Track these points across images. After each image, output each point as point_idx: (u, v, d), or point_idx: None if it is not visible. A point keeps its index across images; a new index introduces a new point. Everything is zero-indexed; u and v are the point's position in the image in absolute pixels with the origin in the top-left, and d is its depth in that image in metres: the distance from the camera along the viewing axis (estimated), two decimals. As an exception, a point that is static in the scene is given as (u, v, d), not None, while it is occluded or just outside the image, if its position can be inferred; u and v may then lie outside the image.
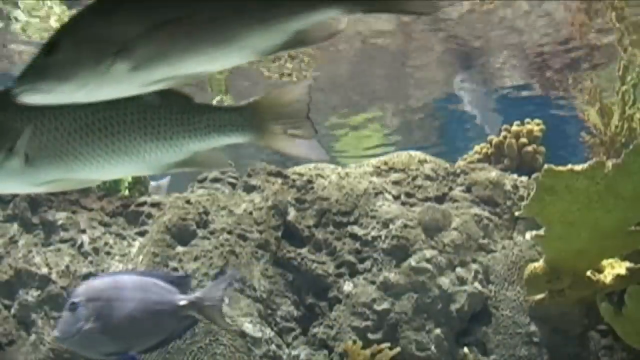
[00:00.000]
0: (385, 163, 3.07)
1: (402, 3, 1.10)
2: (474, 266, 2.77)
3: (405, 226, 2.80)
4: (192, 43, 1.09)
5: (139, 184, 3.17)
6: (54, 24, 4.31)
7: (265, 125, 1.30)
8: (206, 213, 2.85)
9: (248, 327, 2.60)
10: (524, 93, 6.08)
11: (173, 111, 1.28)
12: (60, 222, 2.85)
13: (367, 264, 2.78)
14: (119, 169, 1.29)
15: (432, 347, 2.62)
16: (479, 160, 3.31)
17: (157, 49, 1.08)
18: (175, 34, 1.08)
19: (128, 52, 1.07)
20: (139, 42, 1.07)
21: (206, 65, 1.12)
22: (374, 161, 3.12)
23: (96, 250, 2.81)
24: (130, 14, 1.08)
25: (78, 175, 1.28)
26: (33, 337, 2.63)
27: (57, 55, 1.08)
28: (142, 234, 2.88)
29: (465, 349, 2.66)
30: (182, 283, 2.20)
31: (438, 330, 2.65)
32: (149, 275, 2.18)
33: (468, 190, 3.00)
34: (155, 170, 1.32)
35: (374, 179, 2.99)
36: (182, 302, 2.10)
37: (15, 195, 2.90)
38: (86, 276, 2.72)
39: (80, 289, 2.07)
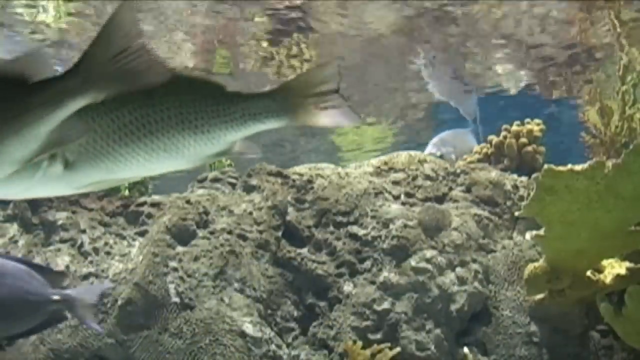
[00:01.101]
0: (385, 163, 3.07)
1: (142, 77, 1.12)
2: (474, 266, 2.77)
3: (405, 226, 2.80)
4: None
5: (139, 184, 3.16)
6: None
7: (297, 106, 1.31)
8: (206, 213, 2.85)
9: (248, 327, 2.60)
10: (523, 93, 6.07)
11: (208, 103, 1.27)
12: (60, 222, 2.85)
13: (367, 264, 2.78)
14: (159, 165, 1.29)
15: (432, 347, 2.62)
16: (479, 160, 3.31)
17: None
18: None
19: None
20: None
21: None
22: (374, 161, 3.12)
23: (96, 250, 2.81)
24: None
25: (118, 175, 1.27)
26: (33, 337, 2.63)
27: None
28: (142, 234, 2.87)
29: (465, 349, 2.65)
30: (57, 278, 2.18)
31: (438, 330, 2.65)
32: (26, 263, 2.14)
33: (468, 190, 3.00)
34: (194, 164, 1.32)
35: (374, 179, 2.99)
36: (55, 297, 2.09)
37: (15, 195, 2.89)
38: (86, 276, 2.73)
39: None
